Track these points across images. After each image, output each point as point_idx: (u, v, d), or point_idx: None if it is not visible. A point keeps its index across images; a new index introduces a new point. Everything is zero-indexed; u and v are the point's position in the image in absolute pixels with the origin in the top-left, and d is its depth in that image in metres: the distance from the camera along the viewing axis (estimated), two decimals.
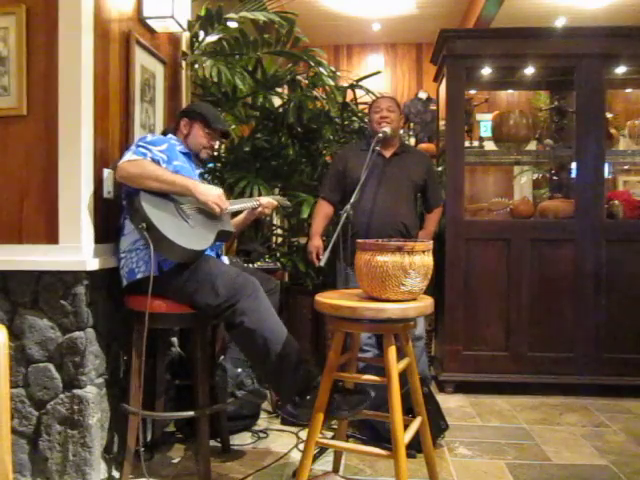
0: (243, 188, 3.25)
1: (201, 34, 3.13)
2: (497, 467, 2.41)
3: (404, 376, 1.97)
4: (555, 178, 4.27)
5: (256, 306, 2.08)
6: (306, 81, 3.73)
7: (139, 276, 2.14)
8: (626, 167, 4.45)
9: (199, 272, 2.12)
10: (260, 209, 2.53)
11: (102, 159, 2.26)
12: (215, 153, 3.72)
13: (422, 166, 3.13)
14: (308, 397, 2.04)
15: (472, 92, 4.35)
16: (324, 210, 3.12)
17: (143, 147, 2.18)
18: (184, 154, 2.38)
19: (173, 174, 2.18)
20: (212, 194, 2.17)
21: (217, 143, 2.53)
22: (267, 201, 2.56)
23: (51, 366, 2.15)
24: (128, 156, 2.16)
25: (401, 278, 1.81)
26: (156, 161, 2.18)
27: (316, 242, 3.07)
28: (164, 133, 2.48)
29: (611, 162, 3.87)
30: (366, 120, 3.85)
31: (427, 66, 6.80)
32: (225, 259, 2.46)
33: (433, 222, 3.25)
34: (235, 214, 2.60)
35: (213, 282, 2.09)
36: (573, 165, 3.55)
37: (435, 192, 3.22)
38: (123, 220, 2.25)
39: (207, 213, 2.23)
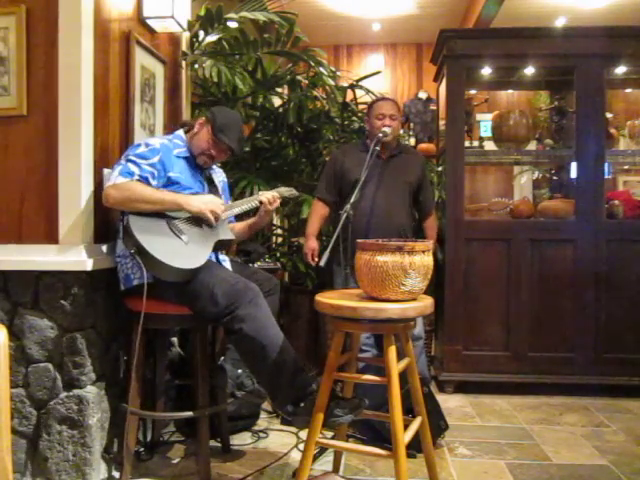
0: (243, 188, 3.26)
1: (201, 34, 3.13)
2: (497, 467, 2.41)
3: (404, 376, 1.97)
4: (555, 178, 4.27)
5: (255, 313, 2.05)
6: (306, 81, 3.73)
7: (135, 282, 2.12)
8: (626, 167, 4.44)
9: (197, 280, 2.09)
10: (264, 208, 2.39)
11: (102, 159, 2.26)
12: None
13: (418, 167, 3.12)
14: (302, 404, 2.03)
15: (472, 92, 4.35)
16: (319, 211, 3.11)
17: (132, 162, 2.12)
18: (184, 158, 2.31)
19: (161, 192, 2.14)
20: (205, 202, 2.16)
21: (221, 156, 2.35)
22: (270, 196, 2.39)
23: (51, 366, 2.15)
24: (114, 178, 2.09)
25: (401, 278, 1.81)
26: (144, 179, 2.12)
27: (311, 244, 3.04)
28: (182, 125, 2.43)
29: (611, 162, 3.86)
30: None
31: (427, 66, 6.79)
32: (226, 261, 2.42)
33: (434, 229, 3.24)
34: (239, 217, 2.55)
35: (212, 290, 2.06)
36: (573, 165, 3.55)
37: (428, 195, 3.21)
38: (119, 222, 2.22)
39: (202, 224, 2.20)
